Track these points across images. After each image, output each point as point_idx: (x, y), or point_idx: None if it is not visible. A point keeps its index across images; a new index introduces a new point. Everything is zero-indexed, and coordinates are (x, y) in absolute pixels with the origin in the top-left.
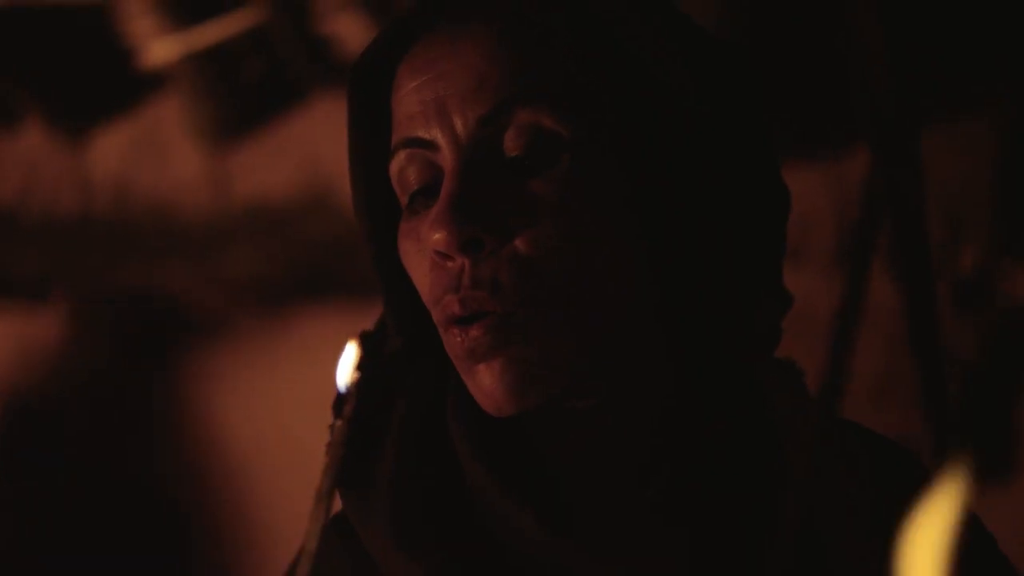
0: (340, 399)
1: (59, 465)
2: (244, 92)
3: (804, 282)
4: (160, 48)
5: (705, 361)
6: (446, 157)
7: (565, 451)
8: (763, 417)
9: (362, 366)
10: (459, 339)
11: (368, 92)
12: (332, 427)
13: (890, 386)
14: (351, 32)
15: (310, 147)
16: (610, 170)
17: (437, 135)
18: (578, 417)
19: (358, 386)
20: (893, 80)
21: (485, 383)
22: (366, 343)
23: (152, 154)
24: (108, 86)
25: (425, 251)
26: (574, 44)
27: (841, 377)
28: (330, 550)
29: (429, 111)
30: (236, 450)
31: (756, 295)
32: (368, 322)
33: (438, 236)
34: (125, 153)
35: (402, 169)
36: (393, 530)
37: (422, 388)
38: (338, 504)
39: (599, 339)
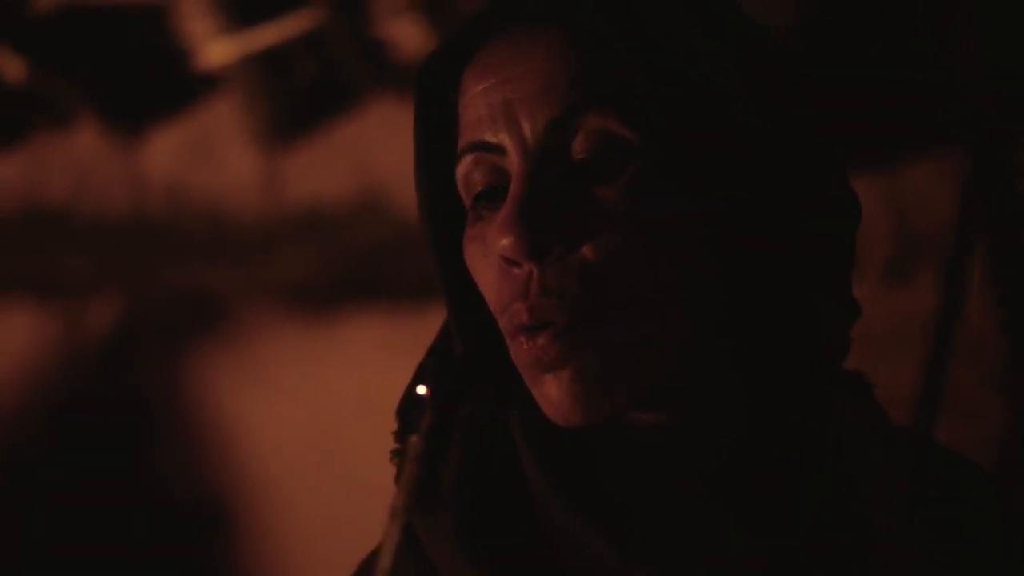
0: (410, 412)
1: (100, 463)
2: (298, 95)
3: (858, 294)
4: (216, 49)
5: (774, 375)
6: (513, 161)
7: (632, 468)
8: (830, 431)
9: (436, 379)
10: (526, 348)
11: (434, 96)
12: (406, 442)
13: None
14: (407, 36)
15: (363, 151)
16: (677, 178)
17: (504, 139)
18: (645, 433)
19: (433, 399)
20: (992, 88)
21: (552, 393)
22: (437, 356)
23: (205, 156)
24: (163, 87)
25: (491, 256)
26: (641, 50)
27: (937, 398)
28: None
29: (496, 115)
30: (275, 453)
31: (825, 306)
32: (413, 328)
33: (505, 242)
34: (178, 154)
35: (468, 173)
36: (460, 543)
37: (484, 399)
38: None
39: (666, 351)
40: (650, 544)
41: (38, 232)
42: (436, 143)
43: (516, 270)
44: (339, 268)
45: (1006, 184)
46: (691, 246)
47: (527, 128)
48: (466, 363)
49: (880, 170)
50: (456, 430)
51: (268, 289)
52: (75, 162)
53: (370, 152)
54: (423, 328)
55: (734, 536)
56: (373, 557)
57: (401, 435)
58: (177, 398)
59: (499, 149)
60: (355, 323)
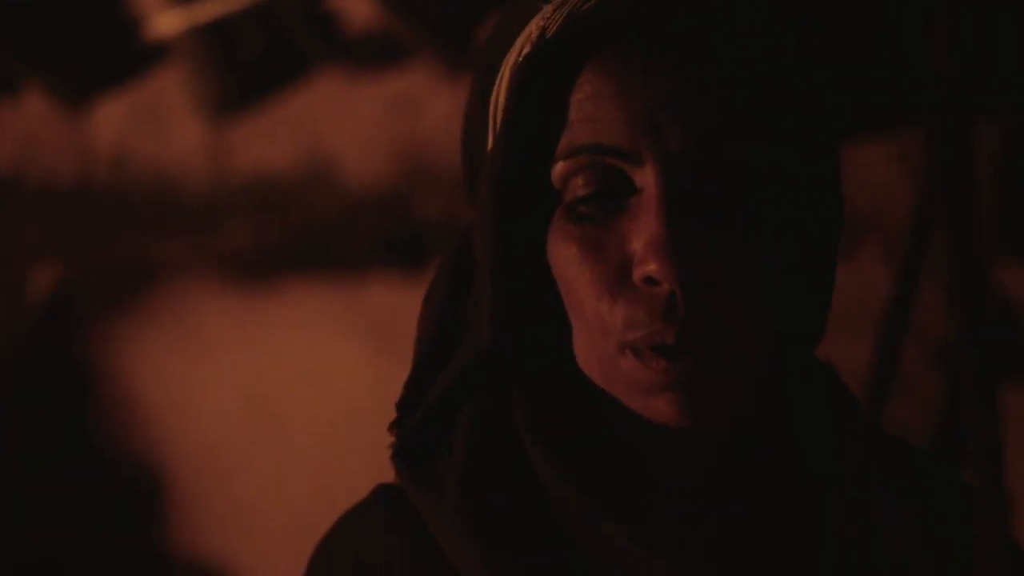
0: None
1: (41, 430)
2: (246, 66)
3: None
4: (164, 19)
5: (783, 369)
6: (651, 174)
7: (651, 461)
8: (815, 420)
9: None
10: (655, 367)
11: (538, 80)
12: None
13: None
14: (356, 8)
15: (310, 123)
16: (785, 211)
17: (642, 148)
18: (673, 430)
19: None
20: (955, 67)
21: (664, 408)
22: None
23: (152, 126)
24: (110, 56)
25: (603, 264)
26: (772, 79)
27: (889, 379)
28: (375, 527)
29: (635, 121)
30: (216, 421)
31: (817, 297)
32: (354, 300)
33: (662, 269)
34: (125, 124)
35: (575, 172)
36: (466, 529)
37: (496, 389)
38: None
39: (760, 375)
40: (667, 534)
41: None
42: (529, 128)
43: (657, 289)
44: (283, 239)
45: (961, 167)
46: (780, 272)
47: (672, 142)
48: (490, 354)
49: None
50: (463, 418)
51: (212, 259)
52: (21, 130)
53: (318, 124)
54: (364, 300)
55: (740, 525)
56: (354, 514)
57: (394, 423)
58: (119, 366)
59: (633, 157)
60: (298, 294)
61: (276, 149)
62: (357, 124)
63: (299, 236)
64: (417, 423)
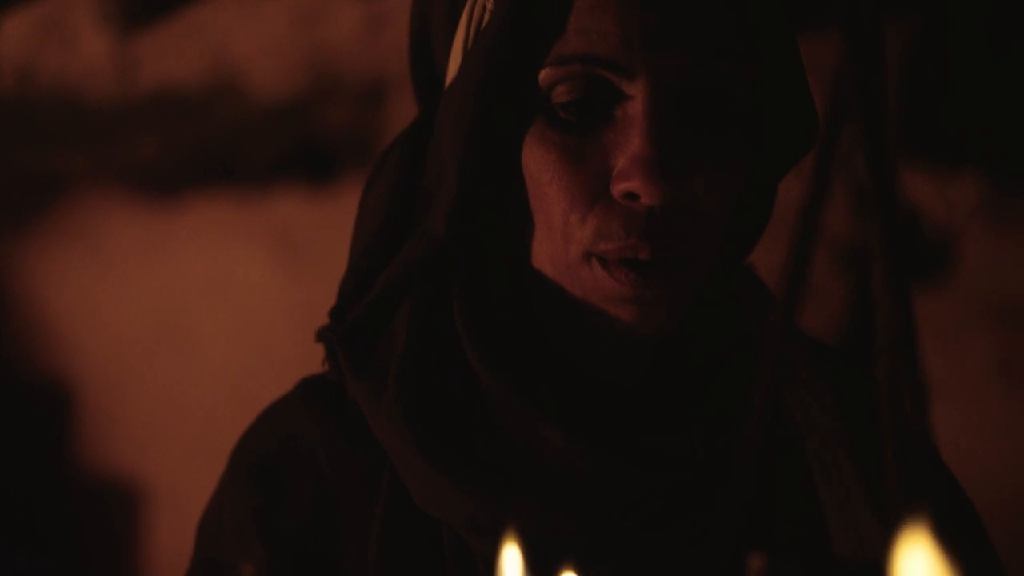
0: (351, 289)
1: None
2: None
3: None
4: None
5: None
6: (641, 90)
7: (593, 362)
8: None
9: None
10: (623, 280)
11: None
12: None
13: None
14: None
15: (217, 34)
16: (757, 138)
17: (636, 64)
18: (612, 331)
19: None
20: None
21: (622, 319)
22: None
23: (58, 38)
24: None
25: (582, 174)
26: (763, 10)
27: (801, 283)
28: (302, 416)
29: (632, 36)
30: (123, 336)
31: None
32: (260, 213)
33: (640, 183)
34: (30, 37)
35: (564, 78)
36: (404, 417)
37: (441, 284)
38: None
39: (705, 285)
40: (594, 429)
41: None
42: (519, 31)
43: (635, 205)
44: (189, 151)
45: (873, 73)
46: (739, 193)
47: (669, 63)
48: (441, 247)
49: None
50: (403, 315)
51: (118, 172)
52: None
53: (224, 35)
54: (270, 212)
55: (671, 423)
56: (280, 405)
57: (337, 311)
58: (24, 280)
59: (627, 72)
60: (203, 206)
61: (182, 61)
62: (263, 35)
63: (205, 148)
64: (362, 312)
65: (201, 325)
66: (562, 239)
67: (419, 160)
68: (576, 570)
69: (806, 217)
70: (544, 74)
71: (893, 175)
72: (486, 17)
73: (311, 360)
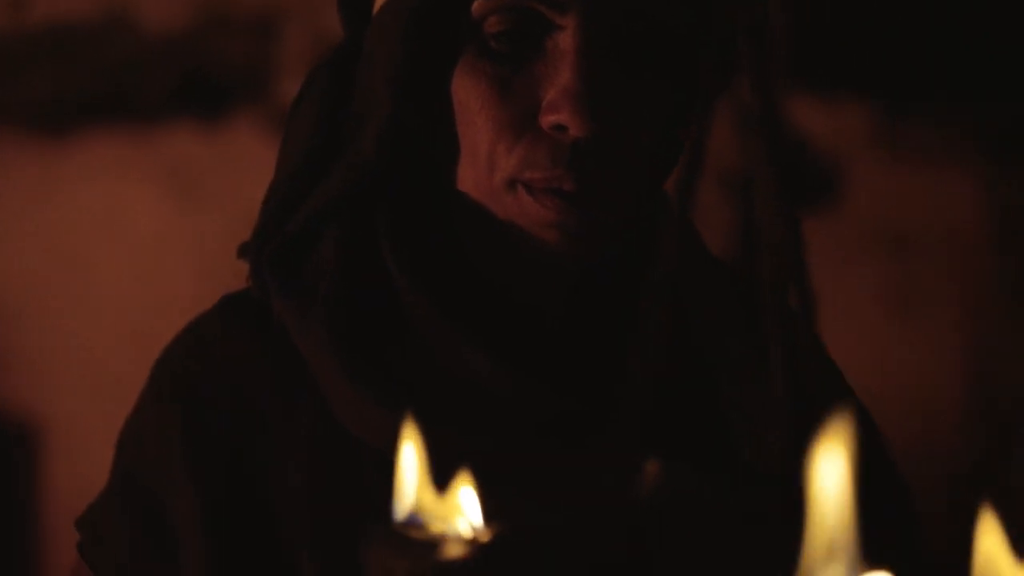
0: (275, 206)
1: None
2: None
3: None
4: None
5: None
6: (572, 22)
7: (518, 288)
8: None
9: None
10: (549, 207)
11: None
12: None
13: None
14: None
15: None
16: (685, 68)
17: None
18: (539, 258)
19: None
20: None
21: (548, 243)
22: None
23: None
24: None
25: (513, 103)
26: None
27: (689, 203)
28: (225, 333)
29: None
30: (18, 277)
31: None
32: (155, 147)
33: (568, 116)
34: None
35: (497, 10)
36: (331, 337)
37: (364, 213)
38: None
39: (635, 214)
40: (517, 353)
41: None
42: None
43: (563, 136)
44: (82, 87)
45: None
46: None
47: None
48: (370, 171)
49: None
50: (329, 243)
51: (9, 110)
52: None
53: None
54: (162, 148)
55: (589, 349)
56: (201, 322)
57: (261, 231)
58: None
59: (559, 4)
60: (96, 143)
61: None
62: None
63: (97, 84)
64: (289, 234)
65: (96, 262)
66: (487, 167)
67: (346, 85)
68: (484, 488)
69: (694, 143)
70: (477, 4)
71: (771, 96)
72: None
73: (205, 294)
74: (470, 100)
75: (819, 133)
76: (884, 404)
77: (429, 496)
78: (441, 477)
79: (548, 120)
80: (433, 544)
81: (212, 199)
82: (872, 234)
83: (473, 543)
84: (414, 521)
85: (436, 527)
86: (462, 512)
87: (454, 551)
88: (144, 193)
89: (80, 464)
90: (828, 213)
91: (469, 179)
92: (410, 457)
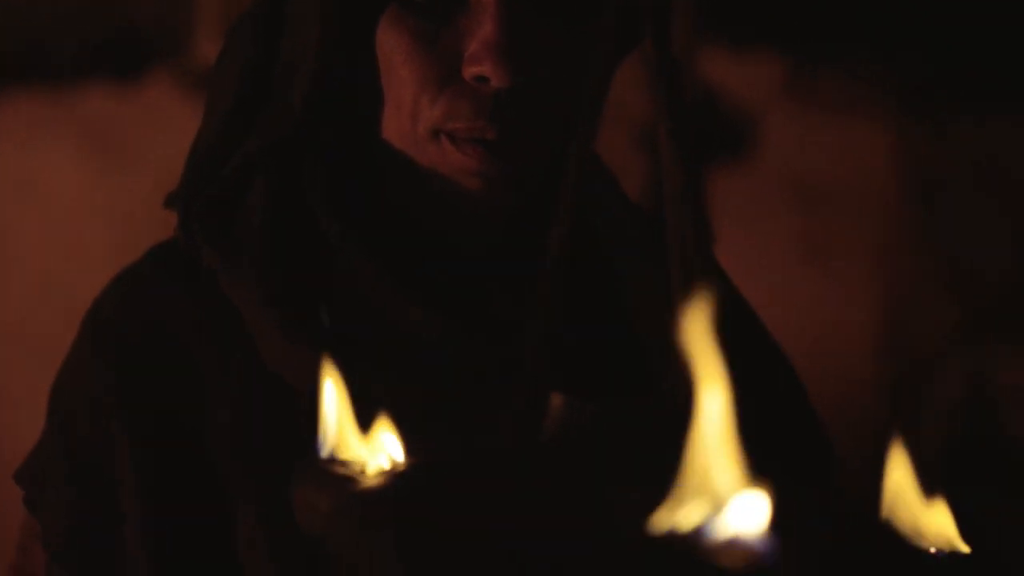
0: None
1: None
2: None
3: None
4: None
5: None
6: None
7: (441, 231)
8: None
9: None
10: (471, 156)
11: None
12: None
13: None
14: None
15: None
16: (609, 29)
17: None
18: (460, 200)
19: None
20: None
21: (471, 189)
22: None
23: None
24: None
25: (434, 60)
26: None
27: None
28: (155, 283)
29: None
30: None
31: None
32: (71, 106)
33: (495, 71)
34: None
35: None
36: (264, 289)
37: (291, 164)
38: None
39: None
40: (446, 300)
41: None
42: None
43: (485, 87)
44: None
45: None
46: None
47: None
48: (298, 123)
49: None
50: (258, 187)
51: None
52: None
53: None
54: (79, 108)
55: (516, 295)
56: (131, 274)
57: (187, 182)
58: None
59: None
60: (11, 104)
61: None
62: None
63: (13, 43)
64: (218, 185)
65: (12, 222)
66: (411, 117)
67: (271, 36)
68: (406, 428)
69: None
70: None
71: (669, 48)
72: None
73: (122, 253)
74: (394, 54)
75: (732, 86)
76: (798, 351)
77: (352, 434)
78: (366, 417)
79: (470, 72)
80: (354, 478)
81: (129, 158)
82: (785, 185)
83: (391, 475)
84: (336, 458)
85: (358, 463)
86: (383, 449)
87: (373, 483)
88: (61, 153)
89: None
90: (742, 165)
91: (393, 129)
92: (333, 397)
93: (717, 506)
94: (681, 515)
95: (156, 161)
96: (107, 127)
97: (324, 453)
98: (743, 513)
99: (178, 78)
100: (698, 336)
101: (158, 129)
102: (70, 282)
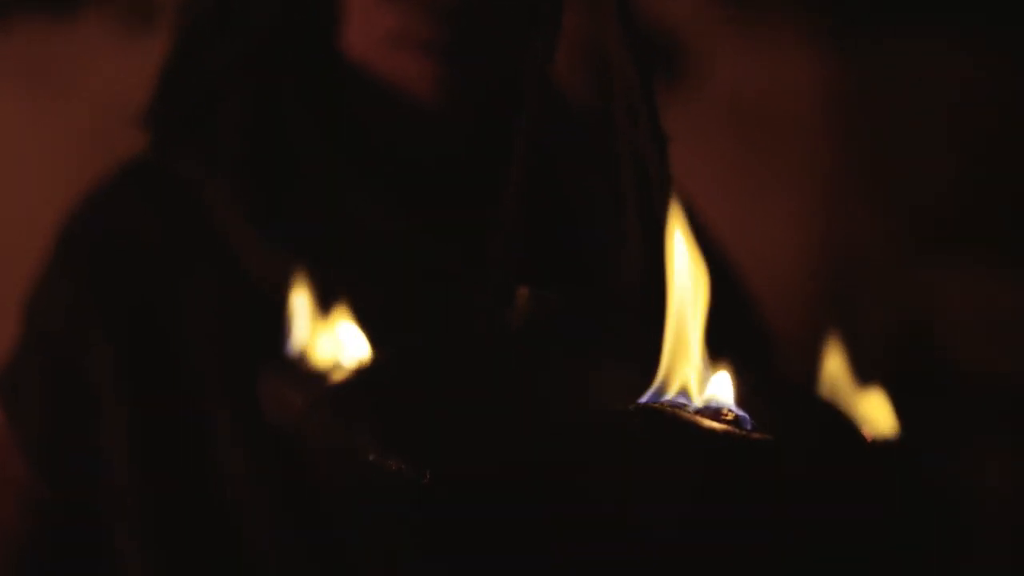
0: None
1: None
2: None
3: None
4: None
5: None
6: None
7: (400, 139)
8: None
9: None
10: (420, 62)
11: None
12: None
13: None
14: None
15: None
16: None
17: None
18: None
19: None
20: None
21: (423, 93)
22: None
23: None
24: None
25: None
26: None
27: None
28: (128, 197)
29: None
30: None
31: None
32: (4, 45)
33: None
34: None
35: None
36: (238, 198)
37: (261, 78)
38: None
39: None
40: (409, 205)
41: None
42: None
43: None
44: None
45: None
46: None
47: None
48: (263, 42)
49: None
50: (231, 101)
51: None
52: None
53: None
54: (10, 42)
55: (472, 198)
56: (103, 189)
57: (161, 96)
58: None
59: None
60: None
61: None
62: None
63: None
64: (192, 99)
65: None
66: (366, 26)
67: None
68: (372, 325)
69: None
70: None
71: None
72: None
73: (60, 191)
74: None
75: (670, 14)
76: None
77: (321, 334)
78: (333, 316)
79: None
80: (323, 374)
81: (64, 94)
82: (723, 114)
83: (358, 369)
84: (306, 356)
85: (325, 360)
86: (353, 346)
87: (341, 377)
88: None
89: None
90: (679, 93)
91: (351, 38)
92: (301, 297)
93: (694, 379)
94: (661, 386)
95: (92, 95)
96: (40, 62)
97: (293, 351)
98: (717, 386)
99: (114, 13)
100: (678, 232)
101: (93, 64)
102: (6, 220)
